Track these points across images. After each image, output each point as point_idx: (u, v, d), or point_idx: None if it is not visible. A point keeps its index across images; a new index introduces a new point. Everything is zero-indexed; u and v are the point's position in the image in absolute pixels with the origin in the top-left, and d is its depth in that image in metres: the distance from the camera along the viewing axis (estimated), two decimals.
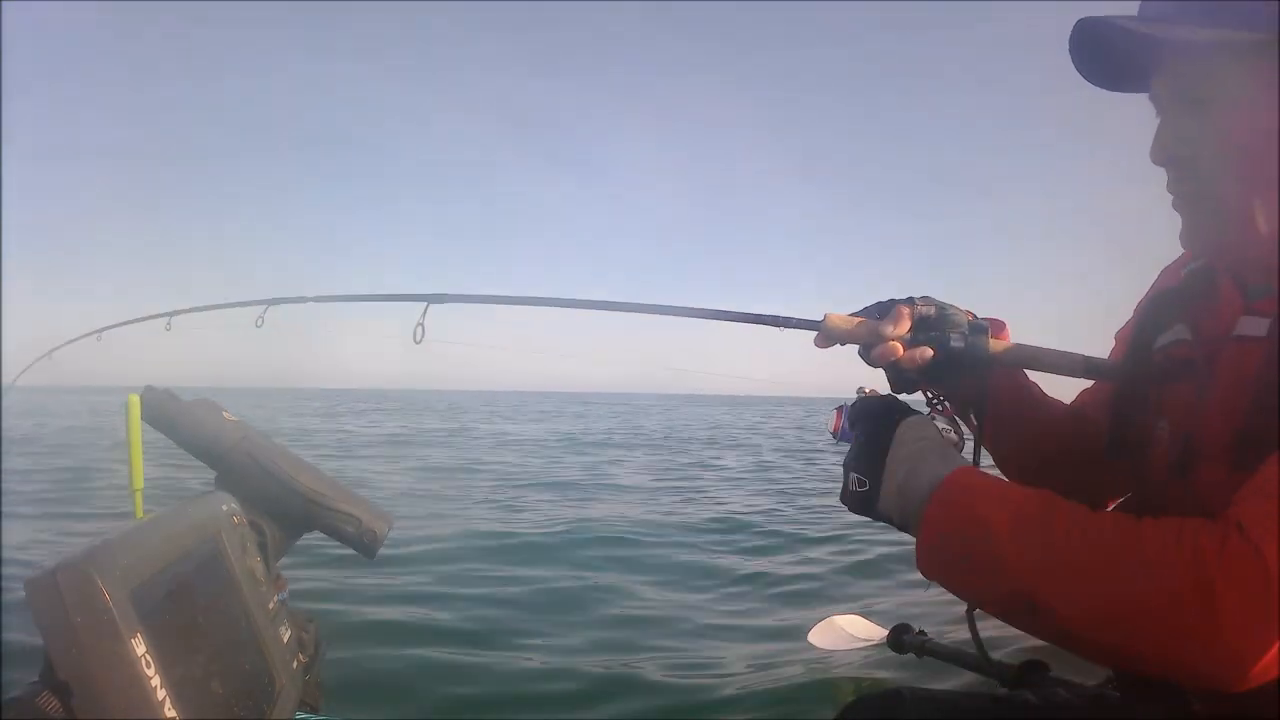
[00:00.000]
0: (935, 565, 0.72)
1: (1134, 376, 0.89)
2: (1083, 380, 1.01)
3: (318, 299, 1.33)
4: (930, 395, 0.91)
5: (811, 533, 5.60)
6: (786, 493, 8.05)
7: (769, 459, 12.61)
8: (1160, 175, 0.82)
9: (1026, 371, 0.99)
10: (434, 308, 1.10)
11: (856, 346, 0.87)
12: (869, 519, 0.79)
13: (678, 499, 7.38)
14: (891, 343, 0.83)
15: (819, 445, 16.15)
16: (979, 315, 0.89)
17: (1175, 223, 0.83)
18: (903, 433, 0.78)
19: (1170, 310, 0.87)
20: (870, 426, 0.80)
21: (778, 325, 0.91)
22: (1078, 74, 0.85)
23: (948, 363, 0.85)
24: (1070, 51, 0.82)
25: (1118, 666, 0.63)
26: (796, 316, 0.90)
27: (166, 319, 1.50)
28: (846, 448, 0.84)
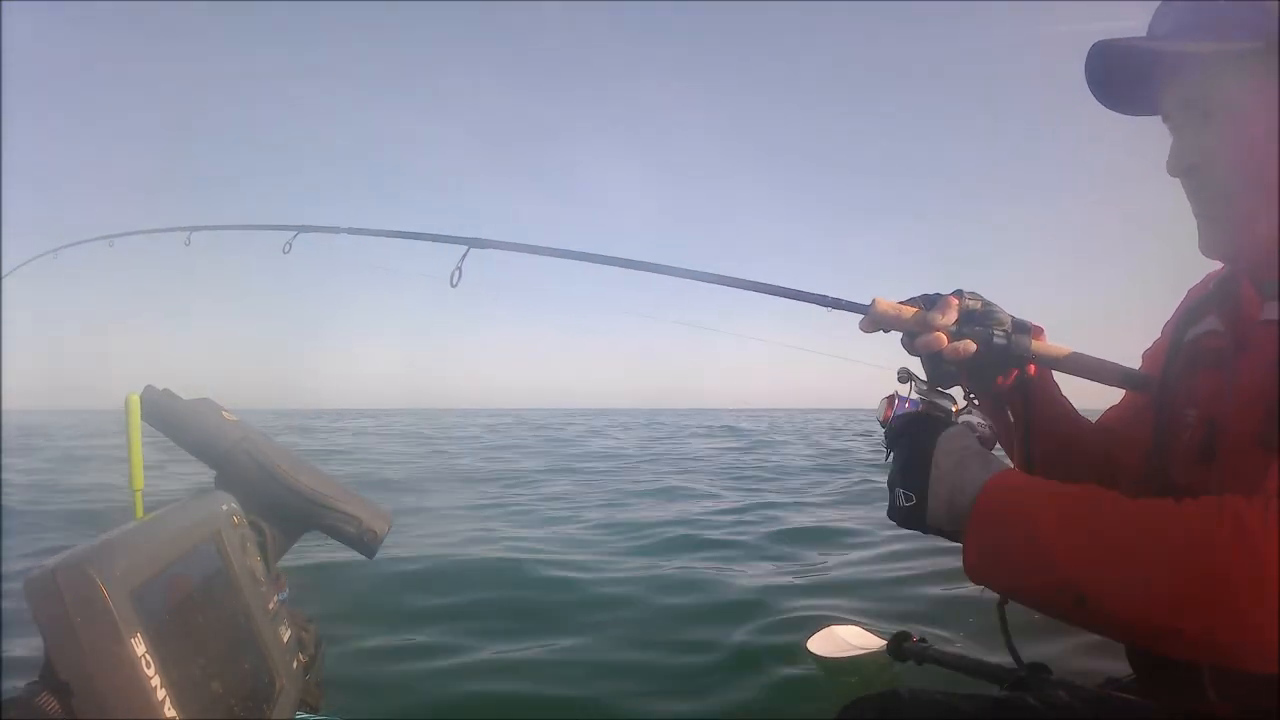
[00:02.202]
0: (984, 568, 0.73)
1: (1167, 370, 0.90)
2: (1107, 401, 1.03)
3: (351, 231, 1.27)
4: (967, 390, 0.92)
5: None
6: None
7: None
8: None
9: (1059, 386, 1.02)
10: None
11: (900, 334, 0.88)
12: (920, 533, 0.80)
13: None
14: (937, 333, 0.84)
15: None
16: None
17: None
18: (943, 443, 0.78)
19: (1202, 309, 0.90)
20: (911, 443, 0.80)
21: (826, 305, 0.91)
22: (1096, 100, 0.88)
23: (988, 358, 0.86)
24: (1086, 76, 0.85)
25: (1163, 648, 0.64)
26: (845, 299, 0.90)
27: (187, 233, 1.44)
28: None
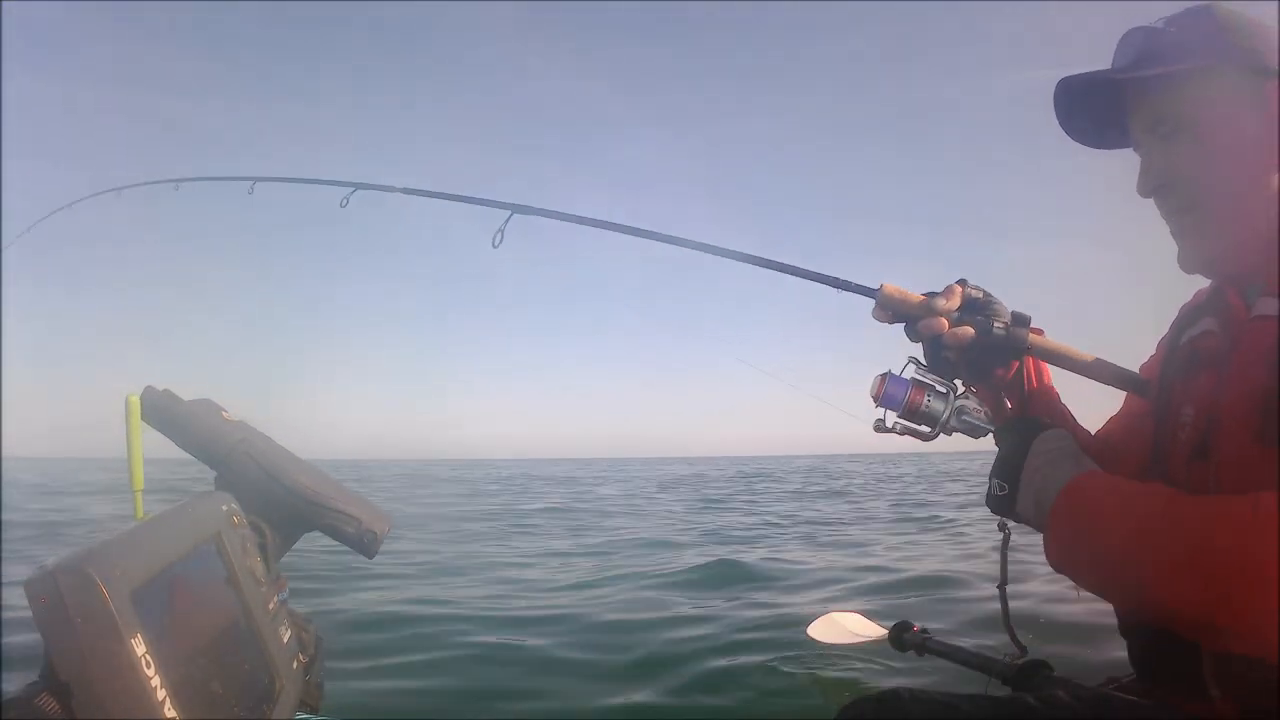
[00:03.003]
0: (1061, 560, 0.78)
1: (1165, 371, 0.93)
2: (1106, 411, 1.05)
3: (405, 190, 1.39)
4: (965, 380, 0.94)
5: None
6: None
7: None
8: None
9: (1059, 396, 1.04)
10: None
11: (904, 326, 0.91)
12: (1012, 520, 0.88)
13: None
14: (940, 317, 0.88)
15: None
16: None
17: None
18: (1039, 444, 0.84)
19: (1197, 314, 0.92)
20: (1013, 439, 0.87)
21: (835, 286, 0.95)
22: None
23: (985, 346, 0.89)
24: (1056, 112, 0.89)
25: (1204, 636, 0.69)
26: (854, 281, 0.93)
27: (250, 183, 1.56)
28: (884, 413, 0.91)
